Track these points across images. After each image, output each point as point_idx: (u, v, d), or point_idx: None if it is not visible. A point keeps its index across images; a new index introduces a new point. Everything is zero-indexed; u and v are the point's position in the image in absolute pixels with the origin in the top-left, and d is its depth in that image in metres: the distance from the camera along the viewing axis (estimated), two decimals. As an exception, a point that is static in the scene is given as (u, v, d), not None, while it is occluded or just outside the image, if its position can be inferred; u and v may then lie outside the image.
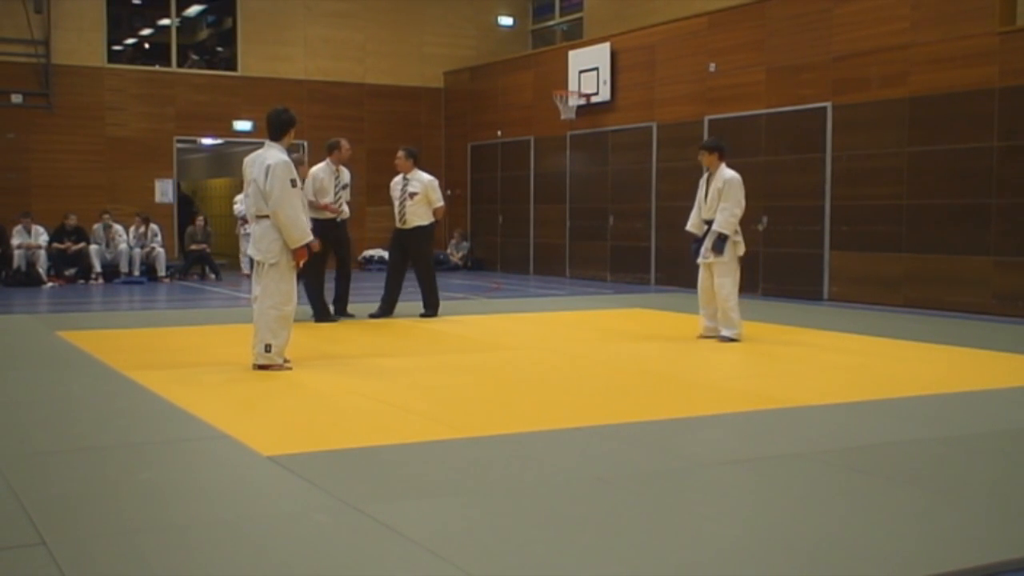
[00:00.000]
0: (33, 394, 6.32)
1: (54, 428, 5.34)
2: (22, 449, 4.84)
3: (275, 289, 7.07)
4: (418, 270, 10.82)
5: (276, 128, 7.19)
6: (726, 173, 8.87)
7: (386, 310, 10.71)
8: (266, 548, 3.47)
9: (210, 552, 3.42)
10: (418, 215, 10.62)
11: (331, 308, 10.55)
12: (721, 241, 8.78)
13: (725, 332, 8.85)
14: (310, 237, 7.13)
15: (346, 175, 10.61)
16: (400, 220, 10.66)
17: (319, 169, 10.45)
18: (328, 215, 10.31)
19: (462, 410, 5.92)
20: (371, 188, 18.56)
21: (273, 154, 7.07)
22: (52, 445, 4.94)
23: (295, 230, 7.00)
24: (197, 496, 4.10)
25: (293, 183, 7.03)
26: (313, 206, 10.32)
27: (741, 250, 8.93)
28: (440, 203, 10.80)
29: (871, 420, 5.68)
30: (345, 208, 10.55)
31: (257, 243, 7.10)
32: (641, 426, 5.42)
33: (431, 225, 10.72)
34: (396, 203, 10.68)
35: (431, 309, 10.76)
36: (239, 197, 16.05)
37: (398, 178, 10.76)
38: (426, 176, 10.77)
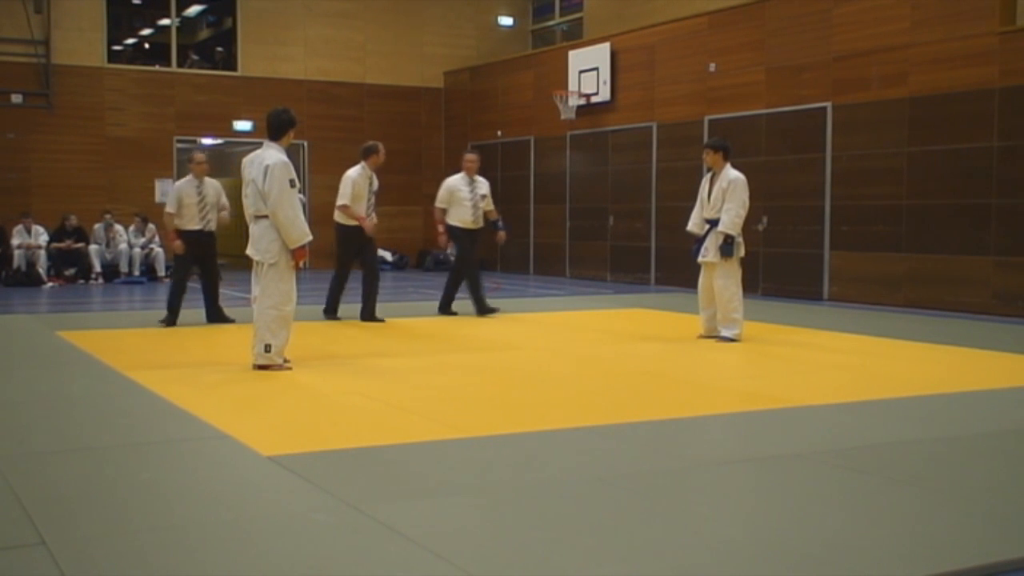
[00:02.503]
0: (33, 394, 6.32)
1: (54, 428, 5.34)
2: (22, 449, 4.84)
3: (274, 289, 7.05)
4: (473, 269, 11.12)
5: (275, 128, 7.19)
6: (731, 173, 8.86)
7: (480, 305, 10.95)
8: (266, 548, 3.47)
9: (210, 552, 3.42)
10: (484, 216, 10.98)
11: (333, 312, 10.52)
12: (728, 244, 8.77)
13: (725, 332, 8.84)
14: (309, 237, 7.13)
15: (375, 180, 10.33)
16: (475, 220, 10.89)
17: (355, 173, 10.11)
18: (354, 221, 10.10)
19: (462, 410, 5.92)
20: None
21: (272, 154, 7.07)
22: (52, 445, 4.94)
23: (294, 230, 6.99)
24: (197, 496, 4.10)
25: (292, 183, 7.02)
26: (345, 212, 10.09)
27: (742, 251, 8.92)
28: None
29: (871, 420, 5.68)
30: (374, 215, 10.38)
31: (256, 243, 7.09)
32: (641, 426, 5.42)
33: None
34: (469, 203, 10.84)
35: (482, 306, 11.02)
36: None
37: (460, 179, 10.87)
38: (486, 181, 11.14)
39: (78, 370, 7.22)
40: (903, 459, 4.77)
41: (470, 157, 10.94)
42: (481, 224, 10.95)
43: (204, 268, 10.04)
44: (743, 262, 9.04)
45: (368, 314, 10.24)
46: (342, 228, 10.25)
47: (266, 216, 7.02)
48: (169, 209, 9.92)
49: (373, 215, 10.33)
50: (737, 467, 4.63)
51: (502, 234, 11.54)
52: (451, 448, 4.91)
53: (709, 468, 4.64)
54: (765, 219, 13.65)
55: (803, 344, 8.88)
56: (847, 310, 11.93)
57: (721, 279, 8.83)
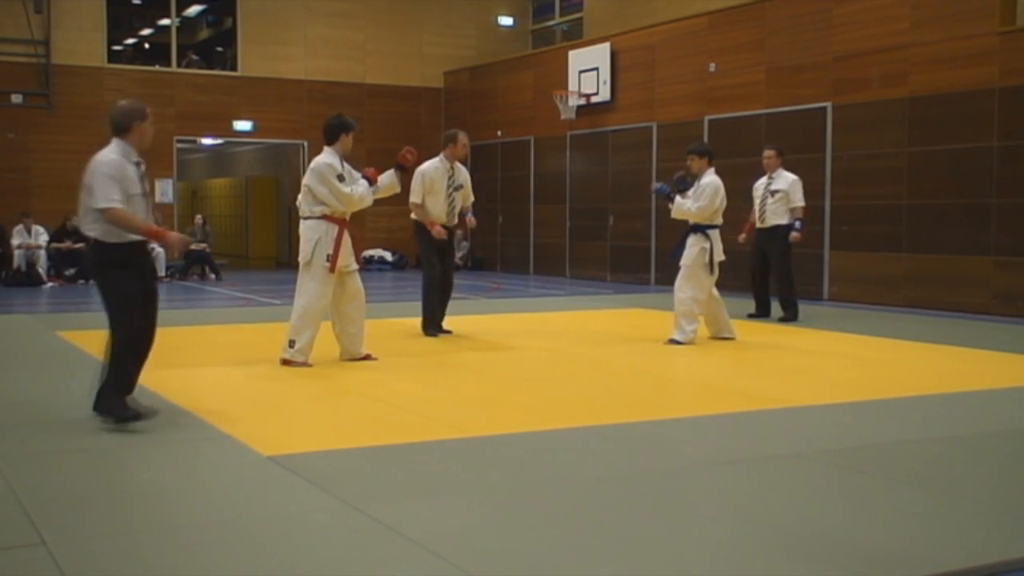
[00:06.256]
0: (33, 394, 6.32)
1: (54, 428, 5.34)
2: (22, 449, 4.84)
3: (306, 287, 7.31)
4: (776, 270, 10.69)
5: (326, 133, 7.44)
6: (706, 178, 8.75)
7: (764, 311, 10.72)
8: (266, 548, 3.47)
9: (210, 552, 3.42)
10: (777, 214, 10.59)
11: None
12: (666, 193, 8.83)
13: (676, 336, 8.63)
14: (378, 181, 7.51)
15: (463, 174, 9.16)
16: (760, 219, 10.63)
17: (427, 165, 8.98)
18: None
19: (462, 410, 5.92)
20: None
21: (317, 158, 7.38)
22: (52, 445, 4.94)
23: (377, 194, 7.50)
24: (197, 496, 4.10)
25: (341, 178, 7.25)
26: (416, 212, 9.01)
27: (719, 257, 8.70)
28: (800, 203, 10.53)
29: (871, 420, 5.68)
30: (469, 216, 9.23)
31: (301, 242, 7.36)
32: (641, 426, 5.42)
33: (789, 225, 10.61)
34: (758, 202, 10.65)
35: (790, 312, 10.62)
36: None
37: (763, 180, 10.65)
38: (790, 176, 10.69)
39: (78, 370, 7.20)
40: (903, 459, 4.77)
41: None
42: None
43: None
44: (722, 267, 8.86)
45: (438, 324, 9.26)
46: (418, 227, 9.12)
47: (307, 217, 7.30)
48: None
49: (470, 216, 9.16)
50: (737, 467, 4.63)
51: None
52: (451, 448, 4.91)
53: (709, 468, 4.64)
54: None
55: (803, 344, 8.87)
56: (847, 310, 11.93)
57: (681, 280, 8.65)
